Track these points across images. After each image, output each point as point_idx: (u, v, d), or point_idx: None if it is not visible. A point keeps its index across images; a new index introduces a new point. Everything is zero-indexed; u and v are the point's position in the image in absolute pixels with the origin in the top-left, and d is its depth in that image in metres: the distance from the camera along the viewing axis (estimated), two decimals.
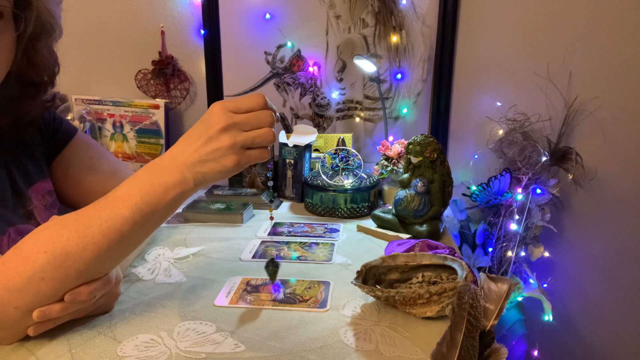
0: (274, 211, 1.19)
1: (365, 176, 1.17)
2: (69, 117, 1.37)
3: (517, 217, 1.27)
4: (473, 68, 1.33)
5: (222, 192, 1.24)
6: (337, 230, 1.06)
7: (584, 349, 1.42)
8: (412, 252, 0.79)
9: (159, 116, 1.36)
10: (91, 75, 1.41)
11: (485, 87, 1.34)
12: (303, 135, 1.24)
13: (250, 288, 0.79)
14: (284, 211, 1.20)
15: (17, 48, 0.67)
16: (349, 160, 1.18)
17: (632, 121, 1.26)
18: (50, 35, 0.72)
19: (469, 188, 1.31)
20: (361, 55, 1.28)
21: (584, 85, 1.27)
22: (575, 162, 1.27)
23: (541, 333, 1.41)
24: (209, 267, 0.87)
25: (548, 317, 1.33)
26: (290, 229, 1.06)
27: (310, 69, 1.36)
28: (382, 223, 1.05)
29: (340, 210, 1.14)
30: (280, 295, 0.76)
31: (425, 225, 1.00)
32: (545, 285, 1.38)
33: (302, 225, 1.09)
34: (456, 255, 0.81)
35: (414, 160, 1.01)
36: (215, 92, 1.38)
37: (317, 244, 0.98)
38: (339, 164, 1.18)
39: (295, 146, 1.23)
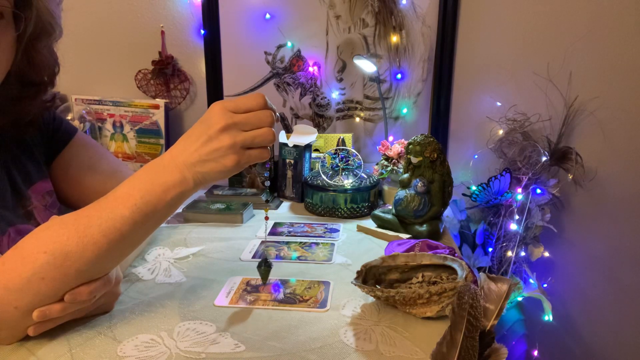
0: (274, 211, 1.19)
1: (365, 176, 1.17)
2: (69, 117, 1.37)
3: (517, 217, 1.27)
4: (473, 68, 1.33)
5: (222, 192, 1.24)
6: (337, 230, 1.06)
7: (584, 349, 1.42)
8: (412, 252, 0.79)
9: (159, 116, 1.36)
10: (91, 75, 1.41)
11: (485, 87, 1.34)
12: (303, 135, 1.24)
13: (250, 288, 0.79)
14: (284, 211, 1.20)
15: (17, 48, 0.67)
16: (349, 160, 1.18)
17: (632, 121, 1.26)
18: (50, 35, 0.72)
19: (469, 188, 1.31)
20: (361, 55, 1.28)
21: (584, 85, 1.27)
22: (575, 162, 1.27)
23: (541, 333, 1.41)
24: (209, 267, 0.87)
25: (548, 317, 1.33)
26: (290, 229, 1.06)
27: (310, 69, 1.36)
28: (382, 223, 1.05)
29: (340, 210, 1.14)
30: (280, 295, 0.76)
31: (425, 225, 1.00)
32: (545, 285, 1.38)
33: (302, 225, 1.09)
34: (456, 255, 0.81)
35: (414, 160, 1.01)
36: (215, 92, 1.38)
37: (317, 244, 0.98)
38: (339, 164, 1.18)
39: (295, 146, 1.23)
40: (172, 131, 1.40)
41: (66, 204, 0.86)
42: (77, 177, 0.85)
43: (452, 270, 0.73)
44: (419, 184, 1.00)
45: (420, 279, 0.76)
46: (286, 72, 1.37)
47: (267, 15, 1.33)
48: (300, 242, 0.99)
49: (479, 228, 1.31)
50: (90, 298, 0.62)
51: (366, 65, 1.29)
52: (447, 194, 1.02)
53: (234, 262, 0.89)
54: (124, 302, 0.73)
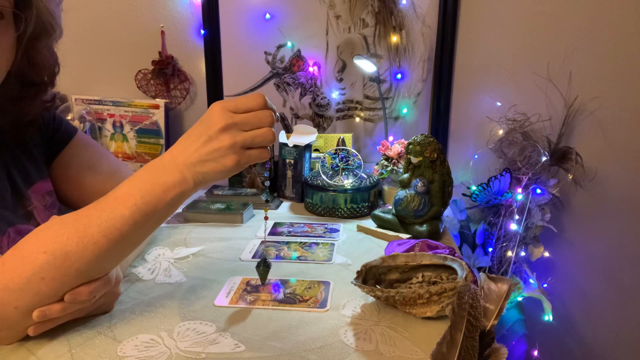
0: (274, 211, 1.19)
1: (365, 176, 1.17)
2: (69, 117, 1.37)
3: (517, 217, 1.27)
4: (473, 68, 1.33)
5: (222, 192, 1.24)
6: (337, 230, 1.06)
7: (584, 349, 1.42)
8: (412, 252, 0.79)
9: (159, 116, 1.36)
10: (91, 75, 1.41)
11: (485, 87, 1.34)
12: (303, 135, 1.24)
13: (250, 288, 0.79)
14: (284, 211, 1.20)
15: (18, 48, 0.67)
16: (349, 160, 1.18)
17: (632, 121, 1.26)
18: (50, 35, 0.72)
19: (469, 188, 1.31)
20: (361, 55, 1.28)
21: (584, 85, 1.27)
22: (575, 162, 1.27)
23: (541, 333, 1.41)
24: (209, 267, 0.87)
25: (548, 317, 1.33)
26: (290, 229, 1.06)
27: (310, 69, 1.36)
28: (382, 223, 1.05)
29: (340, 210, 1.14)
30: (280, 295, 0.76)
31: (425, 225, 1.00)
32: (545, 285, 1.38)
33: (302, 225, 1.09)
34: (456, 255, 0.81)
35: (414, 160, 1.01)
36: (215, 92, 1.38)
37: (317, 244, 0.98)
38: (339, 164, 1.18)
39: (295, 146, 1.23)
40: (172, 131, 1.40)
41: (66, 204, 0.86)
42: (77, 177, 0.85)
43: (452, 270, 0.73)
44: (419, 184, 1.00)
45: (420, 279, 0.76)
46: (286, 72, 1.37)
47: (267, 15, 1.33)
48: (300, 242, 0.99)
49: (479, 228, 1.31)
50: (90, 298, 0.62)
51: (366, 65, 1.29)
52: (447, 194, 1.02)
53: (234, 262, 0.89)
54: (124, 302, 0.73)
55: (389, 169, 1.22)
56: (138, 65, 1.38)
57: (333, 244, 0.98)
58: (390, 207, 1.06)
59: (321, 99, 1.38)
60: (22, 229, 0.73)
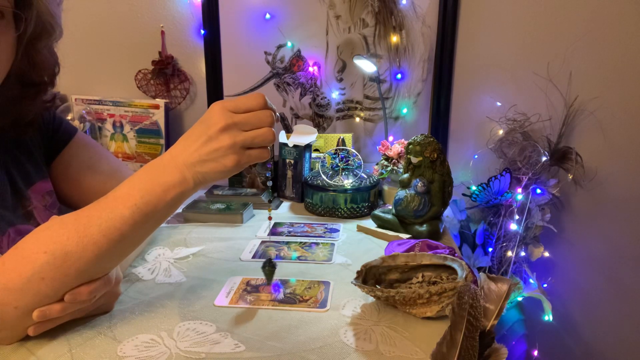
0: (274, 211, 1.20)
1: (365, 176, 1.17)
2: (69, 117, 1.37)
3: (517, 217, 1.27)
4: (473, 68, 1.33)
5: (222, 192, 1.24)
6: (337, 230, 1.06)
7: (584, 349, 1.42)
8: (412, 252, 0.79)
9: (159, 116, 1.36)
10: (91, 75, 1.41)
11: (485, 87, 1.34)
12: (303, 135, 1.24)
13: (250, 288, 0.79)
14: (284, 211, 1.20)
15: (18, 48, 0.67)
16: (349, 160, 1.18)
17: (632, 121, 1.26)
18: (50, 35, 0.71)
19: (469, 188, 1.31)
20: (361, 55, 1.28)
21: (584, 85, 1.27)
22: (575, 162, 1.27)
23: (541, 333, 1.41)
24: (209, 267, 0.87)
25: (548, 317, 1.33)
26: (290, 229, 1.06)
27: (310, 69, 1.36)
28: (382, 223, 1.05)
29: (340, 210, 1.14)
30: (280, 295, 0.76)
31: (425, 225, 1.00)
32: (545, 285, 1.38)
33: (302, 225, 1.09)
34: (456, 255, 0.81)
35: (414, 160, 1.01)
36: (215, 92, 1.38)
37: (317, 244, 0.98)
38: (339, 164, 1.18)
39: (295, 146, 1.23)
40: (172, 131, 1.40)
41: (66, 204, 0.86)
42: (77, 177, 0.85)
43: (452, 270, 0.73)
44: (419, 184, 1.00)
45: (420, 279, 0.76)
46: (286, 72, 1.37)
47: (267, 15, 1.33)
48: (300, 242, 0.99)
49: (479, 228, 1.31)
50: (90, 298, 0.62)
51: (366, 65, 1.29)
52: (447, 194, 1.02)
53: (234, 262, 0.89)
54: (124, 302, 0.73)
55: (389, 169, 1.22)
56: (138, 65, 1.38)
57: (333, 244, 0.98)
58: (390, 207, 1.06)
59: (321, 99, 1.38)
60: (22, 229, 0.73)
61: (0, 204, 0.72)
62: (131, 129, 1.38)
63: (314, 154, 1.31)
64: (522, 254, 1.31)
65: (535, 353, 1.40)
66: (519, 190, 1.27)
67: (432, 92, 1.36)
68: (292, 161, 1.25)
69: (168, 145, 1.38)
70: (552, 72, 1.27)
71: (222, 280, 0.81)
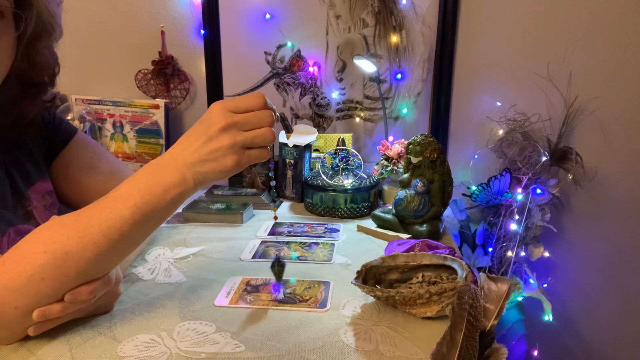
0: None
1: (365, 176, 1.17)
2: (69, 117, 1.37)
3: (517, 217, 1.27)
4: (473, 68, 1.33)
5: (222, 192, 1.24)
6: (337, 230, 1.06)
7: (584, 349, 1.42)
8: (412, 252, 0.79)
9: (159, 116, 1.36)
10: (91, 75, 1.41)
11: (485, 87, 1.34)
12: (303, 135, 1.24)
13: (250, 288, 0.79)
14: (284, 211, 1.20)
15: (18, 48, 0.67)
16: (349, 160, 1.18)
17: (632, 121, 1.26)
18: (50, 35, 0.71)
19: (469, 188, 1.31)
20: (361, 55, 1.28)
21: (584, 85, 1.27)
22: (575, 162, 1.27)
23: (541, 333, 1.41)
24: (209, 267, 0.87)
25: (548, 317, 1.33)
26: (290, 229, 1.06)
27: (310, 69, 1.36)
28: (382, 223, 1.05)
29: (340, 210, 1.14)
30: (280, 295, 0.76)
31: (425, 225, 1.00)
32: (545, 285, 1.38)
33: (302, 225, 1.09)
34: (456, 255, 0.81)
35: (414, 160, 1.01)
36: (215, 92, 1.38)
37: (317, 244, 0.98)
38: (339, 164, 1.18)
39: (295, 146, 1.23)
40: (172, 131, 1.40)
41: (66, 204, 0.86)
42: (77, 177, 0.85)
43: (452, 270, 0.73)
44: (419, 184, 1.00)
45: (420, 279, 0.76)
46: (286, 72, 1.37)
47: (267, 15, 1.33)
48: (300, 242, 0.99)
49: (479, 228, 1.31)
50: (90, 298, 0.62)
51: (366, 65, 1.29)
52: (447, 194, 1.02)
53: (234, 262, 0.89)
54: (124, 302, 0.73)
55: (389, 169, 1.22)
56: (138, 65, 1.38)
57: (333, 244, 0.98)
58: (390, 207, 1.06)
59: (321, 99, 1.38)
60: (22, 229, 0.73)
61: (0, 204, 0.72)
62: (131, 129, 1.38)
63: (314, 154, 1.31)
64: (522, 254, 1.31)
65: (535, 353, 1.40)
66: (519, 190, 1.27)
67: (432, 92, 1.36)
68: (292, 161, 1.25)
69: (168, 145, 1.38)
70: (552, 72, 1.27)
71: (222, 280, 0.81)
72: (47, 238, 0.58)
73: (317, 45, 1.35)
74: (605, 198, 1.32)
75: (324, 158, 1.22)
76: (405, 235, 1.00)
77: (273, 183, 0.78)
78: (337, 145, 1.20)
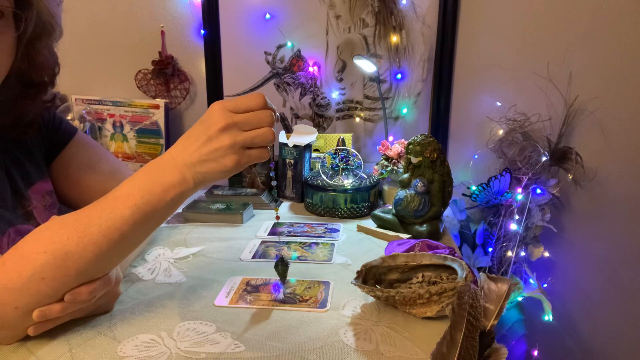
0: (274, 211, 1.19)
1: (365, 176, 1.17)
2: (69, 117, 1.37)
3: (517, 217, 1.27)
4: (473, 68, 1.33)
5: (222, 192, 1.24)
6: (337, 230, 1.06)
7: (584, 349, 1.42)
8: (412, 252, 0.79)
9: (159, 116, 1.36)
10: (91, 75, 1.41)
11: (485, 87, 1.34)
12: (303, 135, 1.24)
13: (250, 288, 0.79)
14: (284, 211, 1.20)
15: (18, 48, 0.67)
16: (349, 160, 1.18)
17: (632, 121, 1.26)
18: (50, 35, 0.71)
19: (469, 188, 1.31)
20: (361, 55, 1.28)
21: (584, 85, 1.27)
22: (575, 162, 1.27)
23: (541, 333, 1.41)
24: (209, 267, 0.87)
25: (548, 317, 1.33)
26: (290, 229, 1.06)
27: (310, 69, 1.36)
28: (382, 223, 1.05)
29: (340, 210, 1.14)
30: (280, 295, 0.76)
31: (425, 225, 1.00)
32: (545, 285, 1.38)
33: (302, 225, 1.09)
34: (456, 255, 0.81)
35: (414, 160, 1.01)
36: (215, 92, 1.38)
37: (317, 244, 0.98)
38: (339, 164, 1.18)
39: (295, 146, 1.23)
40: (172, 131, 1.40)
41: (66, 204, 0.86)
42: (77, 177, 0.85)
43: (452, 270, 0.73)
44: (419, 184, 1.00)
45: (420, 279, 0.76)
46: (286, 72, 1.37)
47: (267, 15, 1.33)
48: (300, 242, 0.99)
49: (479, 228, 1.31)
50: (90, 298, 0.62)
51: (366, 65, 1.29)
52: (447, 194, 1.02)
53: (234, 262, 0.89)
54: (124, 302, 0.73)
55: (389, 169, 1.22)
56: (138, 65, 1.38)
57: (333, 244, 0.98)
58: (390, 207, 1.06)
59: (321, 99, 1.38)
60: (22, 229, 0.73)
61: (0, 204, 0.72)
62: (131, 129, 1.38)
63: (314, 154, 1.31)
64: (522, 254, 1.31)
65: (535, 353, 1.40)
66: (519, 190, 1.27)
67: (432, 92, 1.36)
68: (292, 161, 1.25)
69: (168, 145, 1.38)
70: (552, 72, 1.27)
71: (222, 280, 0.81)
72: (47, 238, 0.58)
73: (317, 45, 1.35)
74: (605, 198, 1.32)
75: (324, 158, 1.22)
76: (405, 235, 1.00)
77: (274, 183, 0.77)
78: (337, 145, 1.20)
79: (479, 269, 1.30)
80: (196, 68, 1.39)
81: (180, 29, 1.36)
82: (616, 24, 1.22)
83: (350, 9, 1.32)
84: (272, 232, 1.04)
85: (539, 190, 1.28)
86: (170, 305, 0.73)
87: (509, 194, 1.25)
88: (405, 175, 1.03)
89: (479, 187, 1.25)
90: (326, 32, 1.34)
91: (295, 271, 0.85)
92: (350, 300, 0.75)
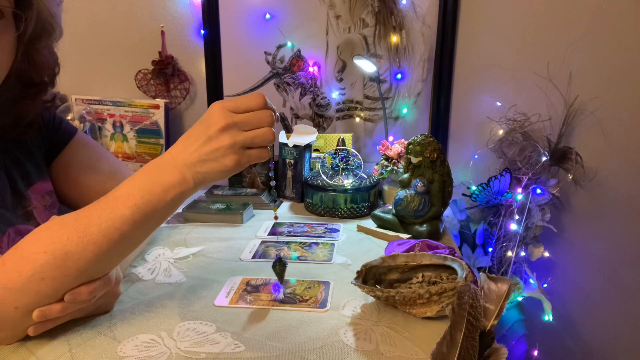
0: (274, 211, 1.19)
1: (365, 176, 1.17)
2: (69, 117, 1.37)
3: (517, 217, 1.27)
4: (473, 68, 1.33)
5: (222, 192, 1.24)
6: (337, 230, 1.06)
7: (584, 349, 1.42)
8: (412, 252, 0.79)
9: (159, 116, 1.36)
10: (91, 75, 1.41)
11: (485, 87, 1.34)
12: (303, 135, 1.24)
13: (250, 288, 0.79)
14: (284, 211, 1.20)
15: (18, 48, 0.67)
16: (349, 160, 1.18)
17: (632, 121, 1.26)
18: (50, 35, 0.71)
19: (469, 188, 1.31)
20: (361, 55, 1.28)
21: (584, 85, 1.27)
22: (575, 162, 1.27)
23: (541, 333, 1.41)
24: (209, 267, 0.87)
25: (548, 317, 1.33)
26: (290, 229, 1.06)
27: (310, 69, 1.36)
28: (382, 223, 1.05)
29: (340, 210, 1.14)
30: (280, 295, 0.76)
31: (425, 225, 1.00)
32: (545, 285, 1.38)
33: (302, 225, 1.09)
34: (456, 255, 0.81)
35: (414, 160, 1.01)
36: (215, 92, 1.38)
37: (317, 244, 0.98)
38: (339, 164, 1.18)
39: (295, 146, 1.23)
40: (172, 131, 1.40)
41: (66, 204, 0.86)
42: (77, 177, 0.85)
43: (452, 270, 0.73)
44: (419, 184, 1.00)
45: (420, 279, 0.76)
46: (286, 72, 1.37)
47: (267, 15, 1.33)
48: (300, 242, 0.99)
49: (479, 228, 1.31)
50: (90, 298, 0.62)
51: (366, 65, 1.29)
52: (447, 194, 1.02)
53: (234, 262, 0.89)
54: (124, 302, 0.73)
55: (389, 169, 1.22)
56: (138, 65, 1.38)
57: (333, 244, 0.98)
58: (390, 207, 1.06)
59: (321, 99, 1.38)
60: (22, 229, 0.73)
61: (0, 204, 0.72)
62: (131, 129, 1.38)
63: (314, 154, 1.31)
64: (522, 254, 1.31)
65: (535, 353, 1.40)
66: (519, 190, 1.27)
67: (432, 92, 1.36)
68: (292, 161, 1.25)
69: (168, 145, 1.38)
70: (552, 72, 1.27)
71: (222, 280, 0.81)
72: (47, 238, 0.58)
73: (317, 45, 1.35)
74: (605, 198, 1.32)
75: (324, 158, 1.22)
76: (405, 235, 1.00)
77: (273, 183, 0.77)
78: (337, 145, 1.20)
79: (479, 269, 1.30)
80: (196, 68, 1.39)
81: (180, 29, 1.36)
82: (616, 24, 1.22)
83: (350, 9, 1.32)
84: (272, 232, 1.04)
85: (539, 190, 1.28)
86: (170, 305, 0.73)
87: (509, 194, 1.26)
88: (405, 175, 1.03)
89: (479, 187, 1.25)
90: (326, 32, 1.34)
91: (295, 271, 0.85)
92: (350, 300, 0.75)
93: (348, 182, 1.14)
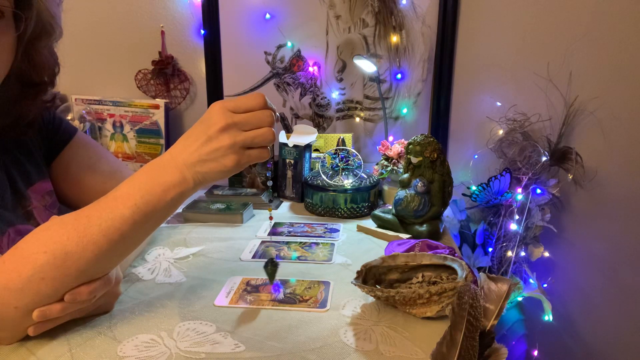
0: (274, 211, 1.20)
1: (365, 176, 1.17)
2: (69, 117, 1.37)
3: (517, 217, 1.27)
4: (473, 68, 1.33)
5: (222, 192, 1.24)
6: (337, 230, 1.06)
7: (584, 349, 1.42)
8: (412, 252, 0.79)
9: (159, 116, 1.36)
10: (91, 75, 1.41)
11: (485, 87, 1.34)
12: (303, 135, 1.24)
13: (250, 288, 0.79)
14: (284, 211, 1.20)
15: (18, 48, 0.67)
16: (349, 160, 1.18)
17: (632, 121, 1.26)
18: (50, 35, 0.71)
19: (469, 188, 1.31)
20: (361, 55, 1.28)
21: (584, 85, 1.27)
22: (575, 162, 1.27)
23: (541, 333, 1.41)
24: (209, 267, 0.87)
25: (548, 317, 1.33)
26: (290, 229, 1.06)
27: (310, 69, 1.36)
28: (382, 223, 1.05)
29: (340, 210, 1.14)
30: (280, 295, 0.76)
31: (425, 225, 1.00)
32: (545, 285, 1.38)
33: (302, 225, 1.09)
34: (456, 255, 0.81)
35: (414, 160, 1.01)
36: (215, 92, 1.38)
37: (317, 244, 0.98)
38: (339, 164, 1.18)
39: (295, 146, 1.23)
40: (172, 131, 1.40)
41: (66, 204, 0.86)
42: (77, 177, 0.85)
43: (452, 270, 0.73)
44: (419, 184, 1.00)
45: (420, 279, 0.76)
46: (286, 72, 1.37)
47: (267, 15, 1.33)
48: (300, 242, 0.99)
49: (479, 228, 1.31)
50: (90, 298, 0.62)
51: (366, 65, 1.29)
52: (447, 194, 1.02)
53: (234, 262, 0.89)
54: (124, 302, 0.73)
55: (389, 169, 1.22)
56: (138, 65, 1.38)
57: (333, 244, 0.98)
58: (390, 207, 1.06)
59: (321, 99, 1.38)
60: (22, 229, 0.73)
61: (0, 204, 0.72)
62: (131, 129, 1.38)
63: (314, 154, 1.31)
64: (522, 254, 1.31)
65: (535, 353, 1.40)
66: (519, 190, 1.27)
67: (432, 92, 1.36)
68: (292, 161, 1.25)
69: (168, 145, 1.38)
70: (552, 72, 1.27)
71: (222, 280, 0.81)
72: (47, 238, 0.58)
73: (317, 45, 1.35)
74: (605, 198, 1.32)
75: (324, 158, 1.22)
76: (405, 235, 1.00)
77: (270, 183, 0.77)
78: (337, 145, 1.20)
79: (479, 269, 1.30)
80: (196, 68, 1.39)
81: (180, 29, 1.36)
82: (616, 24, 1.22)
83: (350, 9, 1.32)
84: (272, 232, 1.04)
85: (539, 190, 1.28)
86: (170, 305, 0.73)
87: (509, 194, 1.26)
88: (405, 175, 1.03)
89: (479, 187, 1.25)
90: (326, 32, 1.34)
91: (295, 271, 0.85)
92: (350, 300, 0.75)
93: (348, 182, 1.14)
